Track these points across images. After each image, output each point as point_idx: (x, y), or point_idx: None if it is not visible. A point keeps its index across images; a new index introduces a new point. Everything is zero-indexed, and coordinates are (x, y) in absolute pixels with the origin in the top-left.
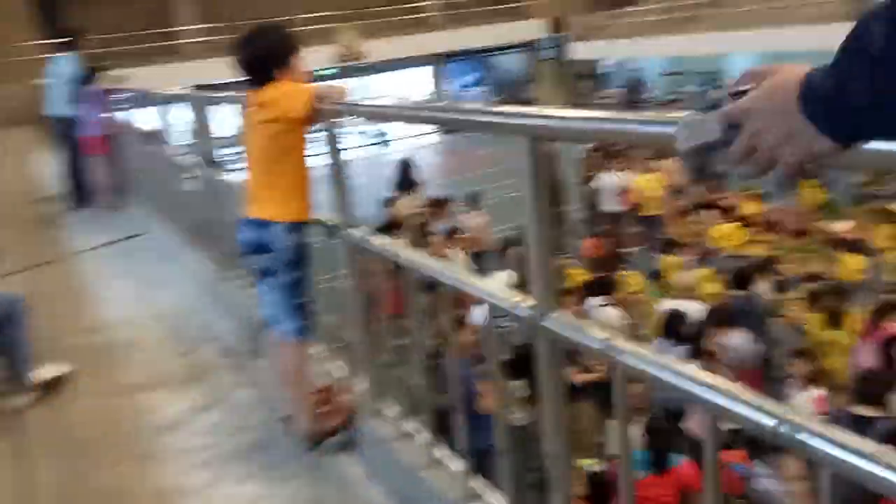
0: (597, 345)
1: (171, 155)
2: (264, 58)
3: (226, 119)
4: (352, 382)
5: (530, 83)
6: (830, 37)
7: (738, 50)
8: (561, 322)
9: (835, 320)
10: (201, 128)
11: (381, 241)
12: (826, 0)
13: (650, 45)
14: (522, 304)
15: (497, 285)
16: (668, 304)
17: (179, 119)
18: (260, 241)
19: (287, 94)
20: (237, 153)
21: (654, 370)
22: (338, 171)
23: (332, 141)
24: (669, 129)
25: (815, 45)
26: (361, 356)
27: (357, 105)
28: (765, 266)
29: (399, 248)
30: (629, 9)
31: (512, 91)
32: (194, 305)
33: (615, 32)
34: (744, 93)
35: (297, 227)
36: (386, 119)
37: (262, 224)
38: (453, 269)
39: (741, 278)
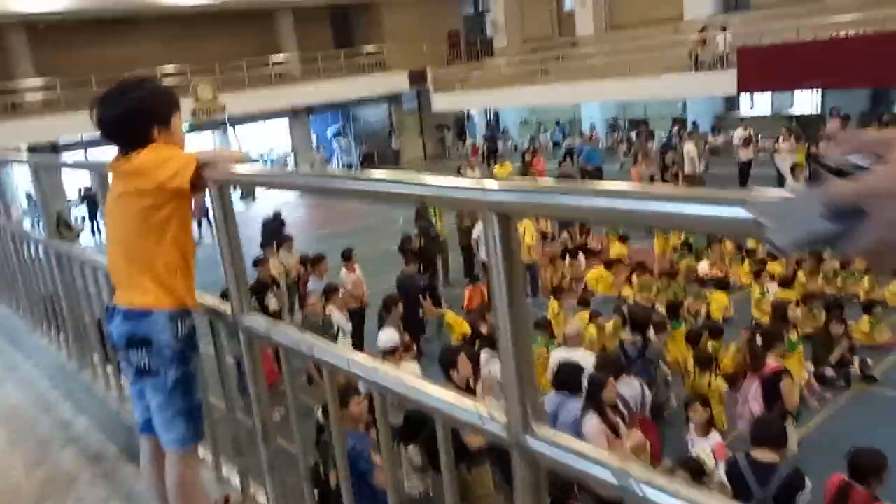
0: (607, 475)
1: (8, 222)
2: (139, 114)
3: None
4: (252, 492)
5: (393, 134)
6: (674, 86)
7: (589, 99)
8: (549, 442)
9: (708, 364)
10: (45, 192)
11: (295, 334)
12: (670, 53)
13: (507, 95)
14: (494, 416)
15: (458, 395)
16: (560, 355)
17: (21, 181)
18: (135, 333)
19: (164, 160)
20: (90, 217)
21: None
22: (229, 246)
23: (224, 211)
24: (735, 212)
25: (660, 94)
26: (262, 460)
27: (259, 175)
28: (673, 311)
29: (322, 343)
30: (486, 61)
31: (375, 142)
32: (45, 400)
33: (474, 84)
34: (855, 168)
35: (181, 314)
36: (301, 191)
37: (136, 314)
38: (395, 374)
39: (640, 323)
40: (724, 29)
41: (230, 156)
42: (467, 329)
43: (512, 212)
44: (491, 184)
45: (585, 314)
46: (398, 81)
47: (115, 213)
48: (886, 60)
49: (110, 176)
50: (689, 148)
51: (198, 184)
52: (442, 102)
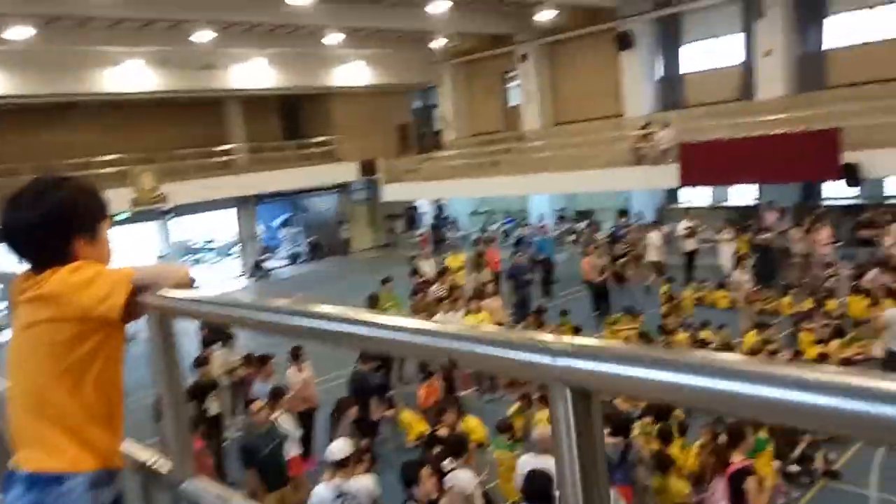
0: None
1: None
2: (57, 222)
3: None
4: None
5: (343, 224)
6: (619, 180)
7: (537, 192)
8: None
9: (667, 467)
10: None
11: None
12: (613, 148)
13: (457, 186)
14: None
15: None
16: (528, 461)
17: None
18: None
19: (89, 281)
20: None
21: None
22: (170, 390)
23: (164, 347)
24: None
25: (605, 187)
26: None
27: (215, 305)
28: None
29: None
30: (437, 153)
31: (324, 231)
32: None
33: (424, 175)
34: None
35: (104, 479)
36: (279, 334)
37: (44, 480)
38: None
39: (621, 425)
40: (666, 125)
41: (174, 275)
42: (424, 427)
43: (595, 388)
44: (562, 345)
45: (545, 412)
46: (348, 171)
47: (21, 350)
48: (812, 157)
49: (15, 303)
50: (654, 237)
51: (133, 311)
52: (392, 193)
